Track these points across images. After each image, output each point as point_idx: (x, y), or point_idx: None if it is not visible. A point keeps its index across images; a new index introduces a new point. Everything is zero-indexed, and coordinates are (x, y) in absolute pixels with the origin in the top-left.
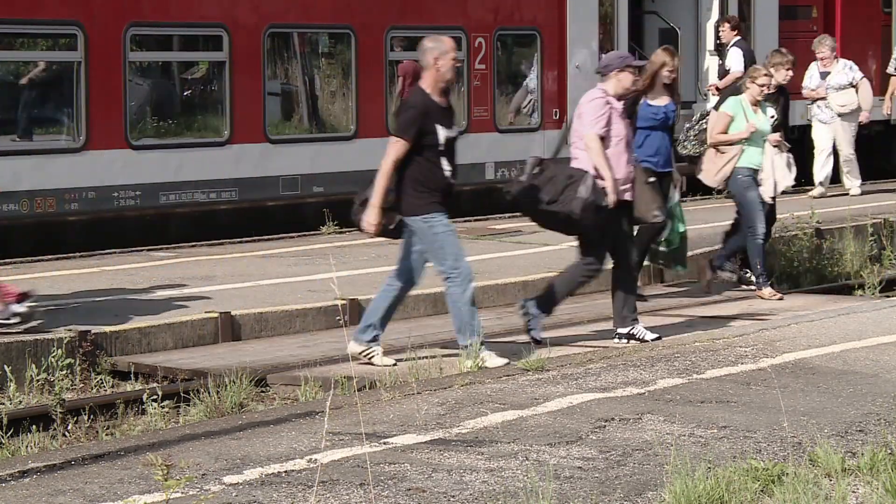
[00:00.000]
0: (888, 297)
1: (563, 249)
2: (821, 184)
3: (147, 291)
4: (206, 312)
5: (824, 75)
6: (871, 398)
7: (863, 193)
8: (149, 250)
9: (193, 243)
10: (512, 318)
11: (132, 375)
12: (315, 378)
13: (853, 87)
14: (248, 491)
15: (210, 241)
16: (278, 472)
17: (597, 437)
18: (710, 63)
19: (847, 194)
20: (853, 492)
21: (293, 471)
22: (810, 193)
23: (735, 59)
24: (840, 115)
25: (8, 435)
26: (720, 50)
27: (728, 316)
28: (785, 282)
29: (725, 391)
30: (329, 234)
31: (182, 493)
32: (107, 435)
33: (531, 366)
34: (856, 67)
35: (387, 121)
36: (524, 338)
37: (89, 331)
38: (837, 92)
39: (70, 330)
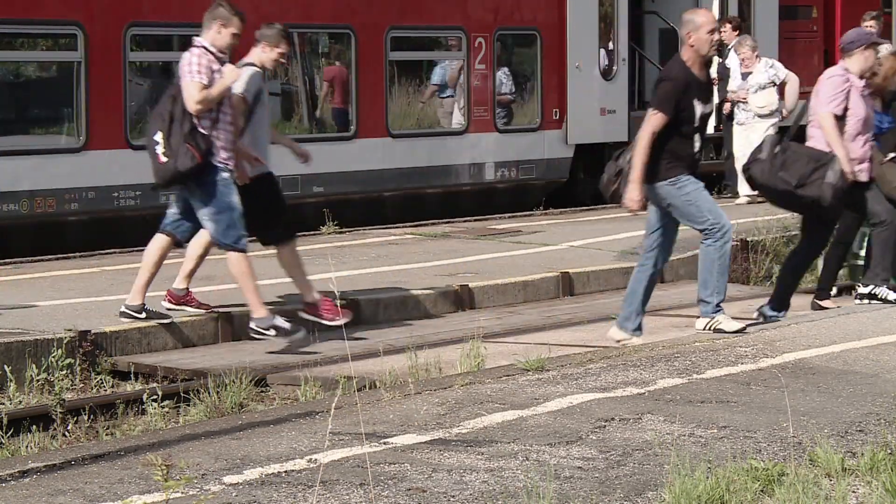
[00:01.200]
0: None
1: (562, 249)
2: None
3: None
4: (206, 312)
5: (746, 76)
6: (871, 398)
7: (750, 203)
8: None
9: None
10: (512, 318)
11: (132, 375)
12: (315, 378)
13: (775, 86)
14: (248, 491)
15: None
16: (278, 472)
17: (597, 437)
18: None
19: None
20: (853, 492)
21: (293, 471)
22: (737, 202)
23: (736, 61)
24: (759, 115)
25: (8, 435)
26: (720, 50)
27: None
28: None
29: (725, 391)
30: (329, 234)
31: (182, 493)
32: (107, 435)
33: (531, 366)
34: (779, 66)
35: (387, 121)
36: (525, 338)
37: (89, 331)
38: (757, 92)
39: (70, 330)
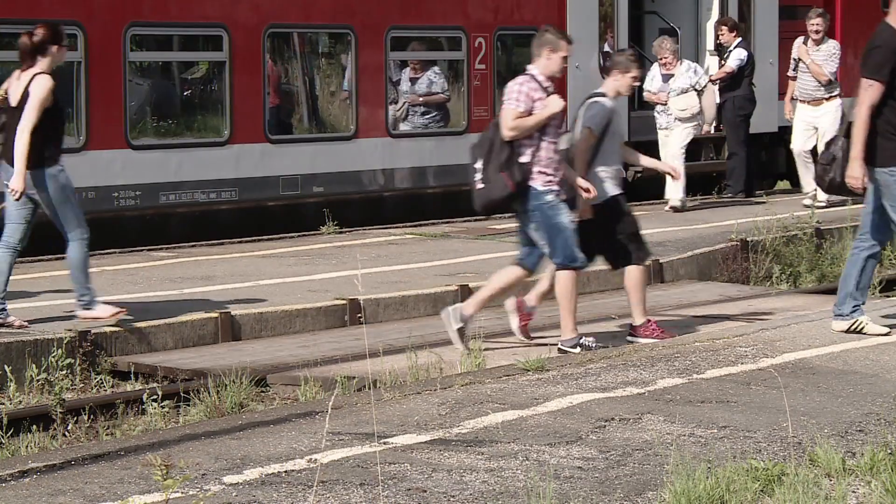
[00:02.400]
0: (888, 297)
1: None
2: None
3: (147, 291)
4: (206, 312)
5: (667, 78)
6: (871, 398)
7: (684, 209)
8: (149, 250)
9: (193, 243)
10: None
11: (132, 375)
12: (315, 378)
13: (696, 91)
14: (248, 491)
15: (210, 241)
16: (278, 472)
17: (597, 437)
18: (711, 63)
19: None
20: (853, 492)
21: (293, 471)
22: (670, 206)
23: (733, 57)
24: (679, 119)
25: (8, 435)
26: (720, 50)
27: (728, 316)
28: (785, 282)
29: (725, 391)
30: (329, 234)
31: (182, 492)
32: (107, 435)
33: (531, 366)
34: (701, 71)
35: (386, 121)
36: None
37: (89, 331)
38: (678, 96)
39: (70, 330)
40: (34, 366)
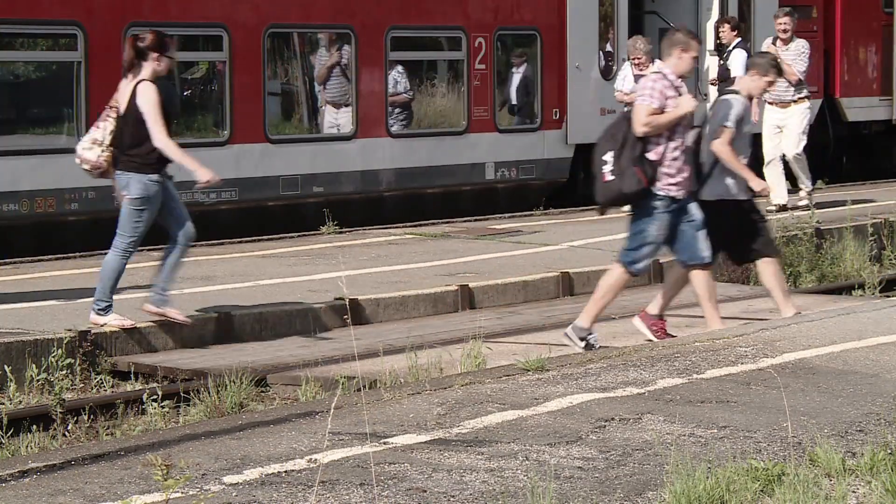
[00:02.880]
0: (888, 297)
1: (562, 249)
2: None
3: (147, 291)
4: (206, 312)
5: (638, 79)
6: (871, 398)
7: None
8: (149, 250)
9: (193, 243)
10: (512, 318)
11: (132, 375)
12: (315, 378)
13: None
14: (248, 491)
15: (210, 241)
16: (278, 472)
17: (597, 437)
18: (710, 63)
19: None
20: (853, 492)
21: (293, 471)
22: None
23: (737, 63)
24: None
25: (8, 435)
26: (720, 50)
27: (728, 316)
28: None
29: (725, 391)
30: (329, 233)
31: (182, 492)
32: (107, 435)
33: (531, 366)
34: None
35: (386, 121)
36: (525, 338)
37: (89, 331)
38: None
39: (70, 330)
40: (34, 366)
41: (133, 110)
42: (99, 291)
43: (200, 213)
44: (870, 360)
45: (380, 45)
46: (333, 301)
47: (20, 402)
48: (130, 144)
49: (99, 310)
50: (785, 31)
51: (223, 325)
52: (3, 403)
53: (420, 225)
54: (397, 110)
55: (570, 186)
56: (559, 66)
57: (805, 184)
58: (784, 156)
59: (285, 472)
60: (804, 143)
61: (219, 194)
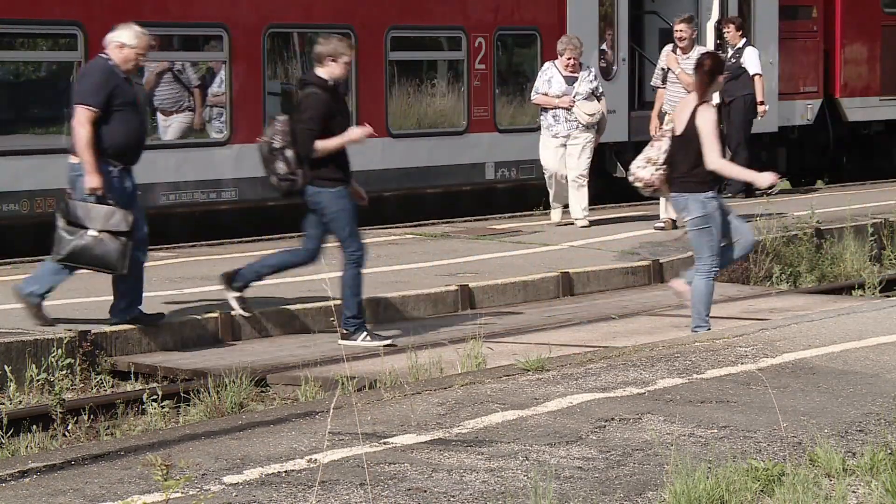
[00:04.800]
0: (888, 297)
1: (562, 250)
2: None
3: (147, 291)
4: (206, 312)
5: (571, 81)
6: (871, 398)
7: (591, 224)
8: (149, 250)
9: (193, 243)
10: (512, 318)
11: (132, 375)
12: (315, 378)
13: (595, 96)
14: (248, 491)
15: (210, 241)
16: (278, 472)
17: (597, 437)
18: None
19: (573, 223)
20: (853, 492)
21: (293, 471)
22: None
23: (752, 62)
24: (584, 126)
25: (8, 435)
26: (721, 50)
27: (728, 316)
28: (785, 282)
29: (725, 391)
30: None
31: (182, 492)
32: (107, 435)
33: (531, 366)
34: (600, 77)
35: (386, 121)
36: (525, 338)
37: (89, 331)
38: (585, 101)
39: (70, 330)
40: (34, 366)
41: (692, 132)
42: (695, 316)
43: (200, 213)
44: (870, 360)
45: (380, 45)
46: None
47: (20, 402)
48: (689, 165)
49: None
50: (682, 38)
51: (223, 325)
52: (3, 403)
53: (420, 225)
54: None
55: None
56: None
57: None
58: None
59: (285, 472)
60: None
61: (219, 194)
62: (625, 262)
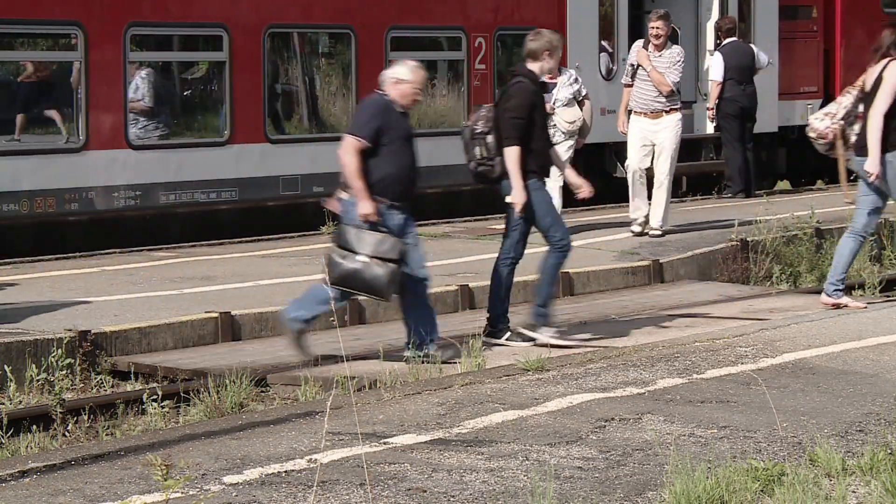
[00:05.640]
0: (888, 297)
1: None
2: None
3: (147, 291)
4: (206, 312)
5: (550, 87)
6: (871, 398)
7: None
8: (149, 250)
9: (193, 243)
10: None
11: (132, 375)
12: (315, 378)
13: (577, 101)
14: (248, 491)
15: (210, 241)
16: (278, 472)
17: (597, 437)
18: (711, 63)
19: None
20: (853, 492)
21: (293, 471)
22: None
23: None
24: (565, 132)
25: (8, 435)
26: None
27: (728, 316)
28: (785, 282)
29: (725, 391)
30: (329, 234)
31: (182, 492)
32: (107, 435)
33: (531, 366)
34: (581, 81)
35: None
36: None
37: (89, 331)
38: (564, 107)
39: (70, 330)
40: (34, 366)
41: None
42: (831, 276)
43: (200, 213)
44: (870, 360)
45: (380, 45)
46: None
47: (20, 402)
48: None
49: (834, 290)
50: (658, 35)
51: (223, 325)
52: (3, 403)
53: (420, 225)
54: (138, 118)
55: (570, 186)
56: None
57: (657, 219)
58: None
59: (285, 472)
60: (675, 165)
61: (219, 194)
62: (625, 262)
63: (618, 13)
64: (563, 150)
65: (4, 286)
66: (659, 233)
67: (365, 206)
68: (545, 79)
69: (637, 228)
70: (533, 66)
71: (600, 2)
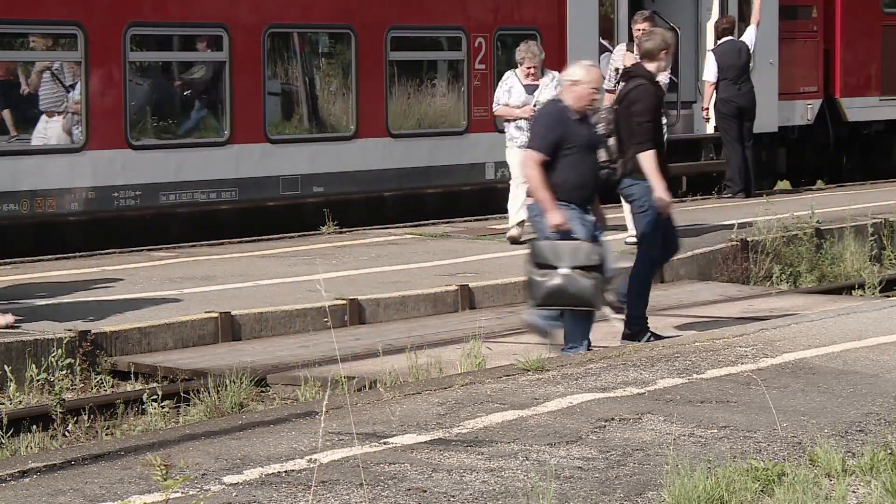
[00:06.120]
0: (888, 297)
1: None
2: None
3: (147, 291)
4: (206, 312)
5: (531, 89)
6: (871, 398)
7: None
8: (149, 250)
9: (193, 243)
10: (511, 318)
11: (132, 375)
12: (315, 378)
13: None
14: (248, 491)
15: (210, 241)
16: (278, 472)
17: (597, 437)
18: (710, 62)
19: (518, 240)
20: (853, 492)
21: (293, 471)
22: (509, 234)
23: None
24: None
25: (8, 435)
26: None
27: (728, 316)
28: (785, 282)
29: (725, 391)
30: (329, 233)
31: (182, 492)
32: (107, 435)
33: (531, 366)
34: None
35: (386, 121)
36: (525, 338)
37: (89, 331)
38: None
39: (70, 330)
40: (34, 366)
41: None
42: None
43: (200, 213)
44: (870, 360)
45: (380, 45)
46: (333, 301)
47: (20, 402)
48: None
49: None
50: None
51: (223, 325)
52: (3, 403)
53: (420, 225)
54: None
55: None
56: (559, 66)
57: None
58: None
59: (285, 472)
60: None
61: (219, 194)
62: (625, 262)
63: (618, 13)
64: None
65: (4, 286)
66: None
67: (554, 217)
68: (526, 81)
69: (632, 240)
70: (650, 66)
71: (600, 2)
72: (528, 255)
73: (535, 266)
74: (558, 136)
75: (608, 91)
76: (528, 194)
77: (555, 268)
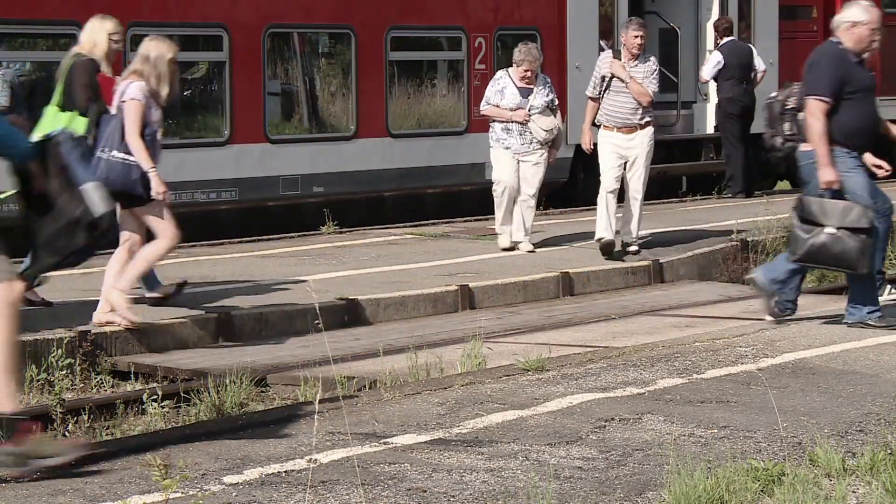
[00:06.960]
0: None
1: (562, 249)
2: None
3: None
4: (206, 312)
5: (526, 93)
6: (871, 398)
7: (535, 249)
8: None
9: (193, 243)
10: (512, 318)
11: (132, 375)
12: (315, 378)
13: (552, 110)
14: (248, 491)
15: (210, 241)
16: (278, 472)
17: (597, 437)
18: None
19: (515, 248)
20: (853, 492)
21: (293, 471)
22: (501, 245)
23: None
24: (540, 141)
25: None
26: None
27: (728, 316)
28: None
29: (725, 391)
30: (329, 233)
31: (182, 492)
32: (107, 435)
33: (531, 366)
34: (553, 88)
35: (386, 121)
36: (525, 338)
37: (89, 331)
38: (540, 115)
39: (70, 330)
40: (34, 366)
41: None
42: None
43: (200, 213)
44: (870, 360)
45: (380, 45)
46: (333, 301)
47: (20, 402)
48: None
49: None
50: (641, 45)
51: (223, 325)
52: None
53: (420, 225)
54: None
55: (570, 186)
56: (559, 67)
57: (632, 233)
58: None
59: (285, 472)
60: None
61: (219, 194)
62: (625, 263)
63: (618, 13)
64: (538, 159)
65: None
66: (637, 248)
67: (827, 173)
68: (521, 84)
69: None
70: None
71: (600, 2)
72: (794, 206)
73: (800, 220)
74: (841, 77)
75: (592, 99)
76: (805, 140)
77: (821, 225)
